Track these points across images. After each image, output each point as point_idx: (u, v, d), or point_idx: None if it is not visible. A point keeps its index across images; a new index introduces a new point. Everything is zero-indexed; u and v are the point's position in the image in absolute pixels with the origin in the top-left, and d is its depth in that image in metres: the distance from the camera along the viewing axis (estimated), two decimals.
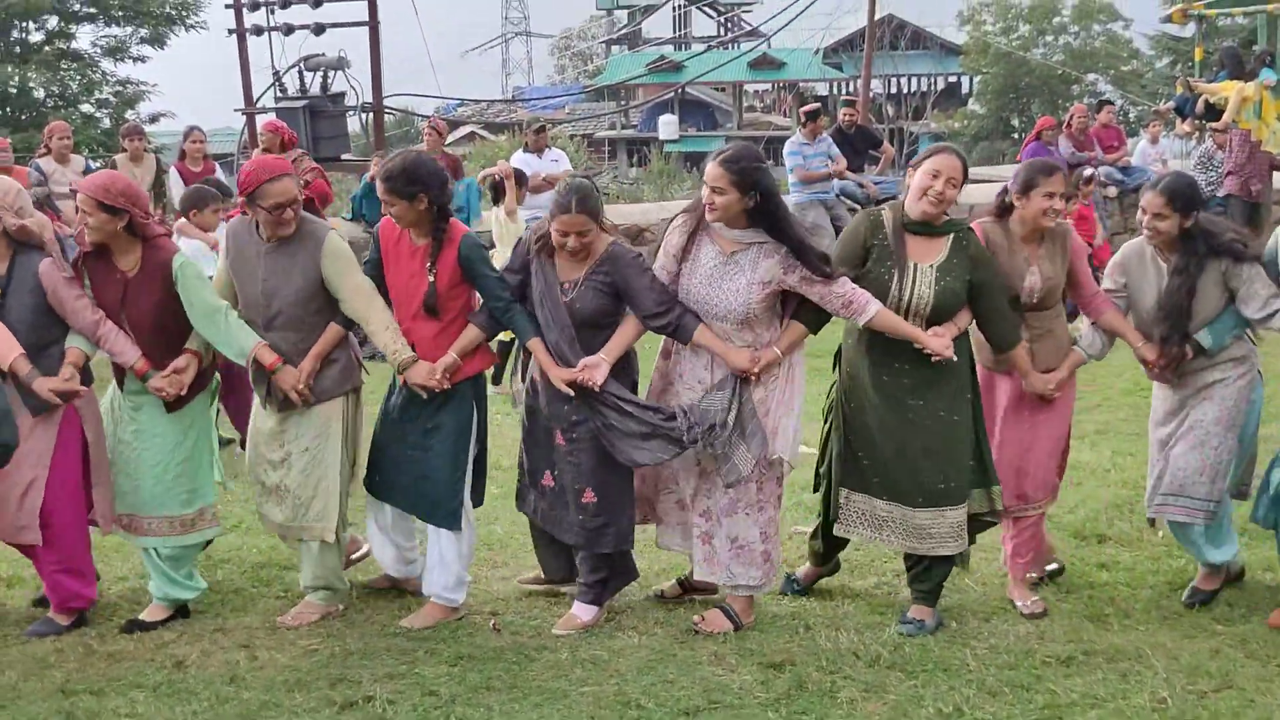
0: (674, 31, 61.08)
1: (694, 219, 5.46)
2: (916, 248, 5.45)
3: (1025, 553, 5.85)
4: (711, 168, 5.28)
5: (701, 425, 5.35)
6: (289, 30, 17.46)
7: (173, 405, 5.62)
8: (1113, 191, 15.34)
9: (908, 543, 5.55)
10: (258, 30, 17.47)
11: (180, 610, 5.82)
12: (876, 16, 29.84)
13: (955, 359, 5.40)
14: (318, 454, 5.66)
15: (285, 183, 5.47)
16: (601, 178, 41.76)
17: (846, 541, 5.89)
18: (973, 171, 26.69)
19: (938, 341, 5.33)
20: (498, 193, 11.21)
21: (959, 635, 5.45)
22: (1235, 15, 28.19)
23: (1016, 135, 45.67)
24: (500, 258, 8.78)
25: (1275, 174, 14.61)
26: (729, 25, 57.64)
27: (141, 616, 5.77)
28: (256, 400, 5.77)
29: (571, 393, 5.43)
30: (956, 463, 5.49)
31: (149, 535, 5.72)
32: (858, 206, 13.67)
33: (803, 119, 14.35)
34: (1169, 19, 21.37)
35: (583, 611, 5.68)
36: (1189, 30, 25.26)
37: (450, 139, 34.63)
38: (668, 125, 49.65)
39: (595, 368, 5.39)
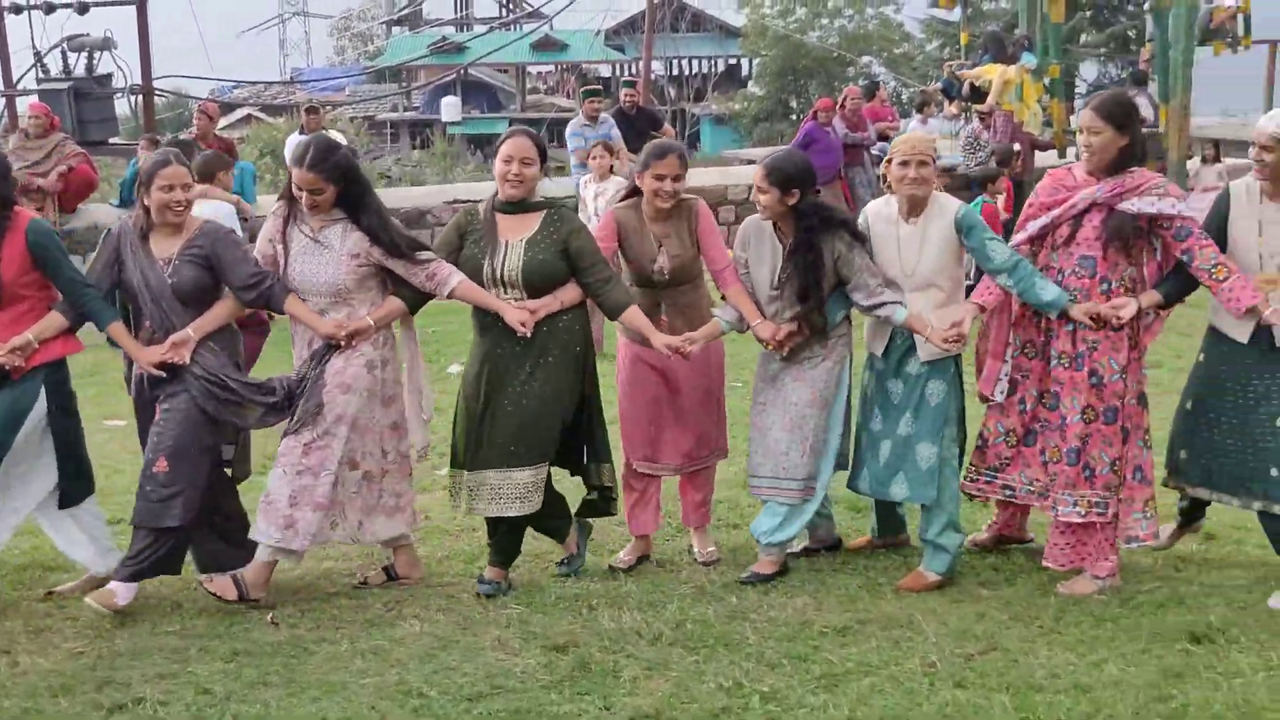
0: (455, 12, 60.44)
1: (287, 205, 5.71)
2: (508, 225, 5.71)
3: (702, 504, 6.20)
4: (302, 174, 5.57)
5: (298, 392, 5.62)
6: (50, 9, 16.84)
7: None
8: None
9: (481, 505, 5.70)
10: (16, 9, 16.82)
11: None
12: None
13: (530, 335, 5.55)
14: None
15: None
16: (384, 160, 41.22)
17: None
18: (749, 154, 27.10)
19: (514, 313, 5.56)
20: None
21: (739, 610, 5.53)
22: None
23: (795, 116, 46.47)
24: None
25: (1036, 153, 15.24)
26: (511, 6, 57.24)
27: None
28: None
29: (163, 374, 5.56)
30: (538, 432, 5.66)
31: None
32: None
33: (582, 99, 14.39)
34: (937, 3, 22.06)
35: (122, 591, 5.59)
36: (956, 14, 26.11)
37: (226, 121, 33.71)
38: (450, 107, 49.18)
39: (183, 344, 5.56)
